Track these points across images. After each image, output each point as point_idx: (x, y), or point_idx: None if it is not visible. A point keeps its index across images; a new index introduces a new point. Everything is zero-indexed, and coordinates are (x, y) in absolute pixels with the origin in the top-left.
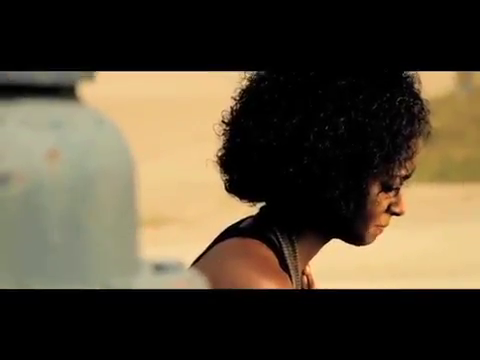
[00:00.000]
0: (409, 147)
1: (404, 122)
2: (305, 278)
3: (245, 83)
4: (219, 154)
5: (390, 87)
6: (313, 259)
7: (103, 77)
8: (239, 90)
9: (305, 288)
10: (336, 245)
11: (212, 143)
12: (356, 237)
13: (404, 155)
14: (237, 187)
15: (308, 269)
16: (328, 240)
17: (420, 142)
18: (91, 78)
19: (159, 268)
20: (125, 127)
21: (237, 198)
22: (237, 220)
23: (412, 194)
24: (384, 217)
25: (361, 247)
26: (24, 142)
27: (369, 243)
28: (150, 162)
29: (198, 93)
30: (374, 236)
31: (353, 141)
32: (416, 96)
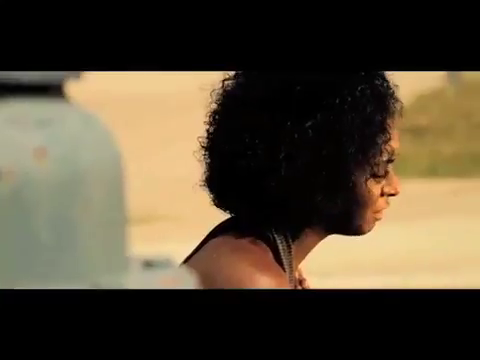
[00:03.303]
0: (384, 130)
1: (371, 108)
2: (298, 280)
3: (213, 105)
4: (204, 176)
5: (348, 78)
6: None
7: (93, 74)
8: (209, 113)
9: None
10: (324, 241)
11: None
12: (354, 229)
13: (381, 139)
14: (225, 205)
15: (303, 275)
16: (325, 236)
17: (395, 121)
18: (78, 77)
19: (148, 265)
20: (117, 125)
21: (227, 213)
22: (230, 217)
23: (401, 190)
24: (380, 202)
25: (350, 243)
26: (12, 140)
27: (368, 231)
28: (142, 159)
29: (189, 89)
30: (372, 223)
31: (324, 142)
32: (380, 76)
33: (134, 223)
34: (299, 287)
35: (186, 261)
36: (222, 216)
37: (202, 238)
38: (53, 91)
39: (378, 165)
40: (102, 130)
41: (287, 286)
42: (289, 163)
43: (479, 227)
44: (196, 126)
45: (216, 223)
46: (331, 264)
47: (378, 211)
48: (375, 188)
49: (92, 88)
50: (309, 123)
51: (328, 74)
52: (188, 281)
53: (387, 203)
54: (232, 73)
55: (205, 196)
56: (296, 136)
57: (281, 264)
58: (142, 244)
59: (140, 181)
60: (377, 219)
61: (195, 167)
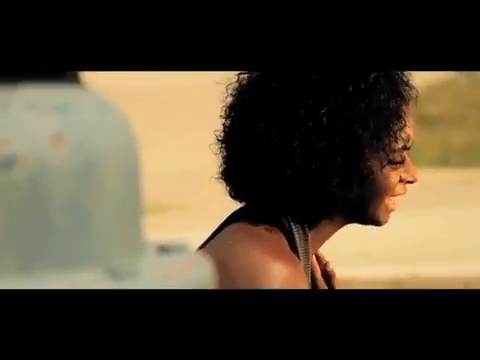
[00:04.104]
0: (399, 117)
1: (384, 96)
2: (322, 264)
3: (229, 99)
4: (220, 169)
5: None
6: None
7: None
8: (225, 107)
9: (320, 278)
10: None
11: (212, 130)
12: (371, 217)
13: (396, 127)
14: (242, 195)
15: (325, 259)
16: (342, 226)
17: (410, 109)
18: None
19: (163, 250)
20: (129, 116)
21: (239, 204)
22: (244, 205)
23: (419, 177)
24: (398, 187)
25: (363, 232)
26: (29, 126)
27: (385, 222)
28: (150, 150)
29: (196, 80)
30: (388, 213)
31: (337, 130)
32: None
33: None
34: (325, 272)
35: (200, 248)
36: (231, 205)
37: (211, 227)
38: (70, 77)
39: (394, 152)
40: (118, 117)
41: (302, 274)
42: (304, 151)
43: None
44: (206, 118)
45: (225, 213)
46: (343, 253)
47: (397, 194)
48: (393, 175)
49: (104, 79)
50: (323, 110)
51: (336, 74)
52: (205, 266)
53: (405, 189)
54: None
55: (214, 187)
56: (310, 123)
57: (296, 252)
58: (152, 233)
59: (149, 171)
60: (392, 210)
61: (204, 158)
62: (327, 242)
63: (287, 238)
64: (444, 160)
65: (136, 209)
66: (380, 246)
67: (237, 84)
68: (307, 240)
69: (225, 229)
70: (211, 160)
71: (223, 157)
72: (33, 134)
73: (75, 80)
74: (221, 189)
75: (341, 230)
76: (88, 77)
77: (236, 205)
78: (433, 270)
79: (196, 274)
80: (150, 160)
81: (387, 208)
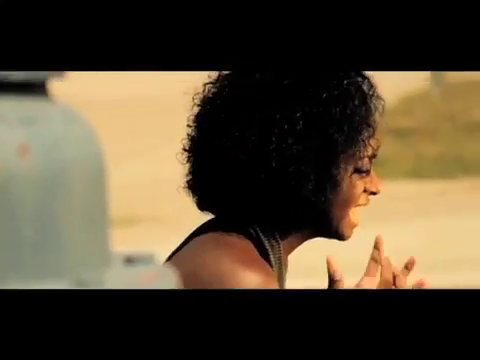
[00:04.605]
0: (369, 125)
1: (357, 102)
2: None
3: (196, 108)
4: (187, 179)
5: (333, 73)
6: (289, 256)
7: (75, 78)
8: (192, 116)
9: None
10: (313, 243)
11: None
12: (336, 229)
13: (366, 134)
14: (211, 205)
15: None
16: (308, 238)
17: (378, 118)
18: (61, 76)
19: (130, 260)
20: (100, 128)
21: (211, 214)
22: (212, 218)
23: (387, 191)
24: (362, 197)
25: (340, 245)
26: None
27: (348, 236)
28: (124, 161)
29: (172, 92)
30: (351, 227)
31: (313, 133)
32: (362, 75)
33: (115, 225)
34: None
35: (169, 259)
36: (203, 217)
37: (182, 239)
38: (37, 89)
39: (362, 159)
40: (84, 128)
41: (274, 282)
42: (280, 154)
43: (465, 227)
44: (178, 129)
45: (197, 224)
46: (318, 265)
47: (359, 205)
48: (358, 184)
49: (74, 90)
50: (298, 114)
51: (310, 73)
52: (170, 277)
53: (368, 200)
54: (214, 76)
55: (186, 198)
56: (286, 127)
57: (269, 261)
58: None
59: (121, 184)
60: (355, 224)
61: (177, 170)
62: (305, 253)
63: (257, 247)
64: (417, 172)
65: (103, 220)
66: (354, 257)
67: (205, 93)
68: (280, 248)
69: (193, 240)
70: (184, 171)
71: (189, 167)
72: (0, 145)
73: (42, 91)
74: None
75: (317, 242)
76: (60, 91)
77: (211, 216)
78: (409, 281)
79: (161, 285)
80: (124, 171)
81: (350, 222)
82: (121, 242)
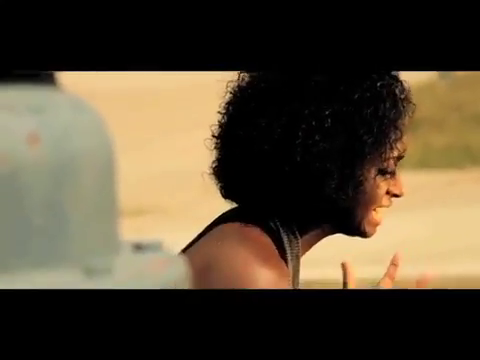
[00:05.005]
0: (397, 128)
1: (388, 105)
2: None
3: (228, 96)
4: (213, 165)
5: (368, 75)
6: None
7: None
8: (223, 104)
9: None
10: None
11: (194, 133)
12: (358, 227)
13: (393, 137)
14: (235, 193)
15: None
16: (329, 234)
17: (406, 121)
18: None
19: (138, 248)
20: (107, 119)
21: (234, 203)
22: (234, 207)
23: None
24: (385, 199)
25: (347, 236)
26: (5, 126)
27: (371, 234)
28: (132, 152)
29: (183, 85)
30: (374, 225)
31: (341, 132)
32: (395, 78)
33: (123, 215)
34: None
35: (189, 247)
36: (212, 208)
37: (191, 230)
38: (45, 78)
39: (388, 161)
40: (93, 117)
41: (285, 282)
42: (305, 149)
43: (473, 217)
44: (188, 120)
45: (206, 216)
46: (326, 256)
47: (381, 206)
48: (382, 185)
49: (85, 82)
50: (327, 112)
51: (341, 76)
52: (179, 264)
53: (390, 202)
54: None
55: (196, 189)
56: (314, 123)
57: (285, 256)
58: (131, 236)
59: (129, 174)
60: (377, 223)
61: (187, 161)
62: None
63: (275, 242)
64: (426, 162)
65: (112, 208)
66: (365, 248)
67: (238, 82)
68: (298, 244)
69: (214, 229)
70: (193, 164)
71: (217, 153)
72: (9, 134)
73: (51, 81)
74: (204, 192)
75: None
76: (69, 82)
77: (218, 208)
78: (418, 271)
79: (170, 273)
80: (132, 162)
81: (372, 220)
82: (127, 232)
